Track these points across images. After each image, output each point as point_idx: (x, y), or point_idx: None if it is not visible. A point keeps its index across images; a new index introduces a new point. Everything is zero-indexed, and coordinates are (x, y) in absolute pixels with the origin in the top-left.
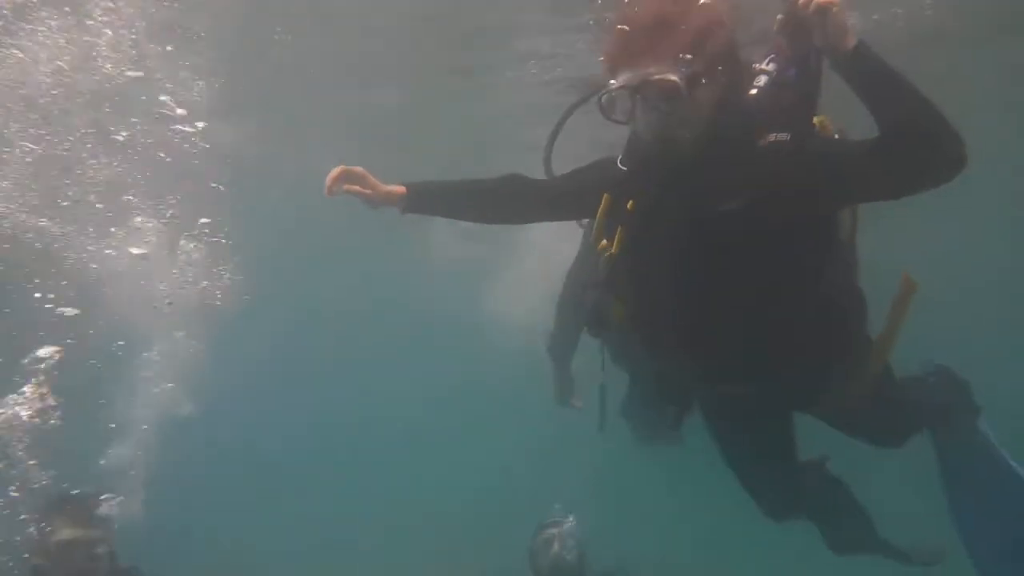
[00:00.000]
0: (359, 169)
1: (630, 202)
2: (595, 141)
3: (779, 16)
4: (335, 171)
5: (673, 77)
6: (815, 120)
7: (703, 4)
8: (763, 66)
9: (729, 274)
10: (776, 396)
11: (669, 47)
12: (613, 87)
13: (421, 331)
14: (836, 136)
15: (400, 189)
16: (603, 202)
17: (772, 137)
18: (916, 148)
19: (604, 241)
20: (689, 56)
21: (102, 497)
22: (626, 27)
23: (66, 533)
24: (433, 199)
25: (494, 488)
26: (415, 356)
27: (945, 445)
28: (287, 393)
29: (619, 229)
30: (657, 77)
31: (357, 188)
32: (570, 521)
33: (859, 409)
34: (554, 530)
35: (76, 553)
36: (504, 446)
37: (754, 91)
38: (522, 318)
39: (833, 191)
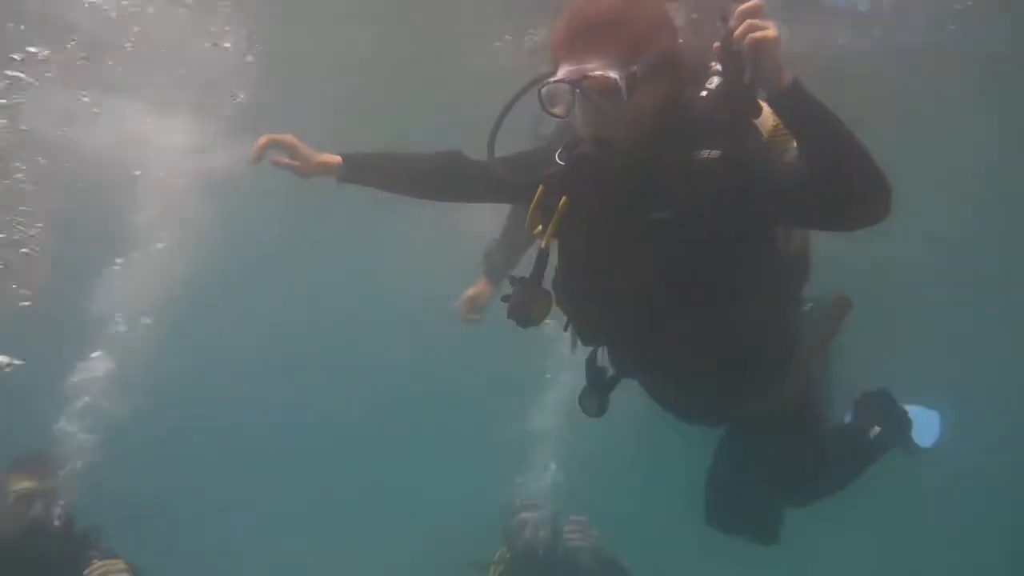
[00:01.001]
0: (289, 137)
1: (563, 198)
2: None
3: (715, 44)
4: (261, 139)
5: (614, 75)
6: (765, 127)
7: (654, 4)
8: (718, 65)
9: (654, 281)
10: (697, 398)
11: (614, 44)
12: (552, 80)
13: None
14: (774, 151)
15: (335, 159)
16: (536, 193)
17: (704, 153)
18: (841, 200)
19: (539, 227)
20: (633, 56)
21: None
22: (572, 19)
23: (25, 484)
24: (369, 170)
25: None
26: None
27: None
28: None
29: (550, 223)
30: (598, 74)
31: (285, 160)
32: (546, 507)
33: (776, 427)
34: (529, 514)
35: (35, 503)
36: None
37: (705, 92)
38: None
39: (757, 214)
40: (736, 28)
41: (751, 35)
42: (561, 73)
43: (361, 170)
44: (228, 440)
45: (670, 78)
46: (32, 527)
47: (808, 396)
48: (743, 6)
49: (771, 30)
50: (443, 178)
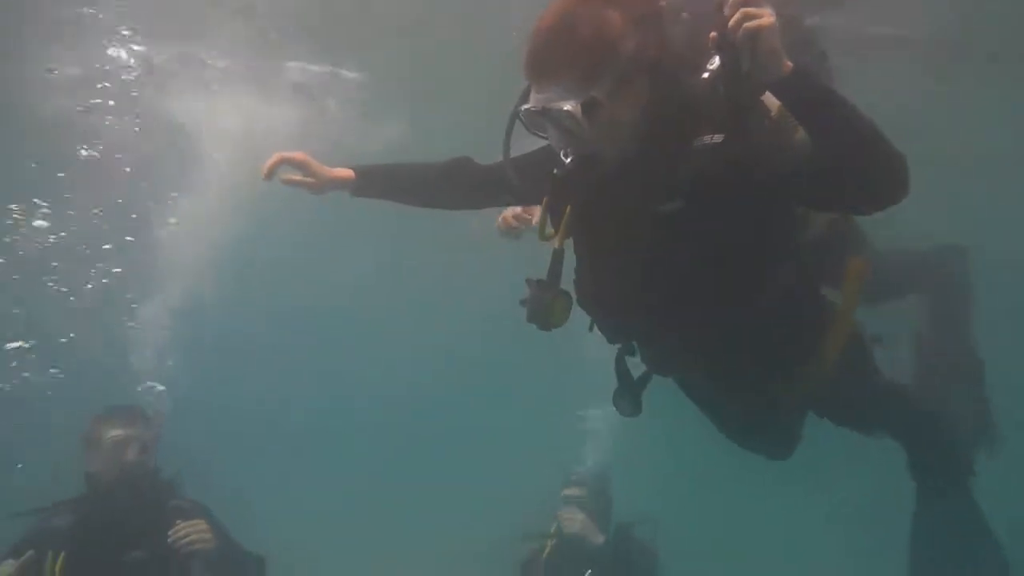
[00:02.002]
0: (300, 155)
1: (567, 206)
2: None
3: (711, 34)
4: (272, 158)
5: (568, 107)
6: (774, 104)
7: (612, 13)
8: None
9: (670, 274)
10: (724, 386)
11: (566, 73)
12: (522, 108)
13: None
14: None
15: (347, 173)
16: (544, 202)
17: (707, 138)
18: (854, 185)
19: (550, 229)
20: (590, 80)
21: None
22: (530, 46)
23: (119, 431)
24: (383, 182)
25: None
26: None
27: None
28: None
29: (561, 224)
30: (554, 105)
31: (296, 178)
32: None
33: (833, 393)
34: (577, 490)
35: (128, 448)
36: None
37: (706, 74)
38: None
39: (768, 198)
40: (730, 17)
41: (746, 24)
42: (530, 101)
43: (373, 183)
44: (300, 418)
45: (647, 80)
46: (125, 471)
47: (847, 367)
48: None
49: (766, 17)
50: (451, 184)
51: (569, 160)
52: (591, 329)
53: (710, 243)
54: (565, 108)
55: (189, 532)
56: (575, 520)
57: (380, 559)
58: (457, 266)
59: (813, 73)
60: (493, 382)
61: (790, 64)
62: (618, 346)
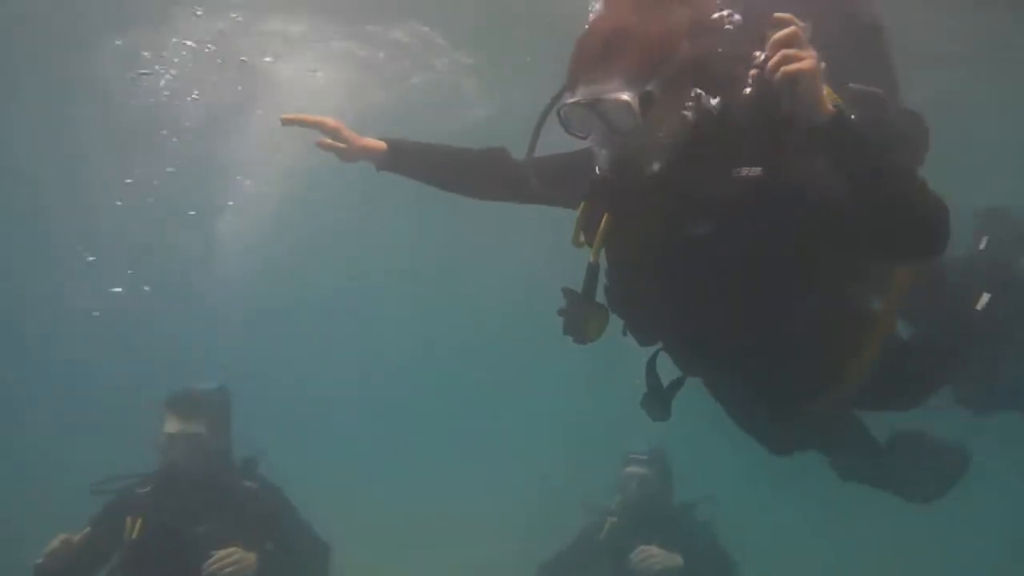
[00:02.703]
0: (333, 121)
1: (605, 215)
2: None
3: (751, 70)
4: (308, 117)
5: (625, 97)
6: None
7: (673, 15)
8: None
9: (701, 294)
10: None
11: (626, 64)
12: (568, 102)
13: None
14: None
15: (380, 144)
16: (580, 208)
17: (744, 171)
18: (888, 236)
19: (582, 238)
20: (647, 74)
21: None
22: (586, 38)
23: (171, 426)
24: (412, 159)
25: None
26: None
27: None
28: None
29: (594, 237)
30: (610, 96)
31: (329, 141)
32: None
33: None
34: (637, 468)
35: (177, 445)
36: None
37: (748, 90)
38: None
39: (802, 235)
40: (770, 58)
41: (785, 68)
42: (577, 95)
43: (403, 158)
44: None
45: (699, 88)
46: (185, 463)
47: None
48: (778, 34)
49: (808, 60)
50: (484, 176)
51: (611, 163)
52: (624, 334)
53: (739, 270)
54: (623, 98)
55: (224, 563)
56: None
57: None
58: (514, 239)
59: (856, 121)
60: (546, 355)
61: (831, 109)
62: (650, 350)
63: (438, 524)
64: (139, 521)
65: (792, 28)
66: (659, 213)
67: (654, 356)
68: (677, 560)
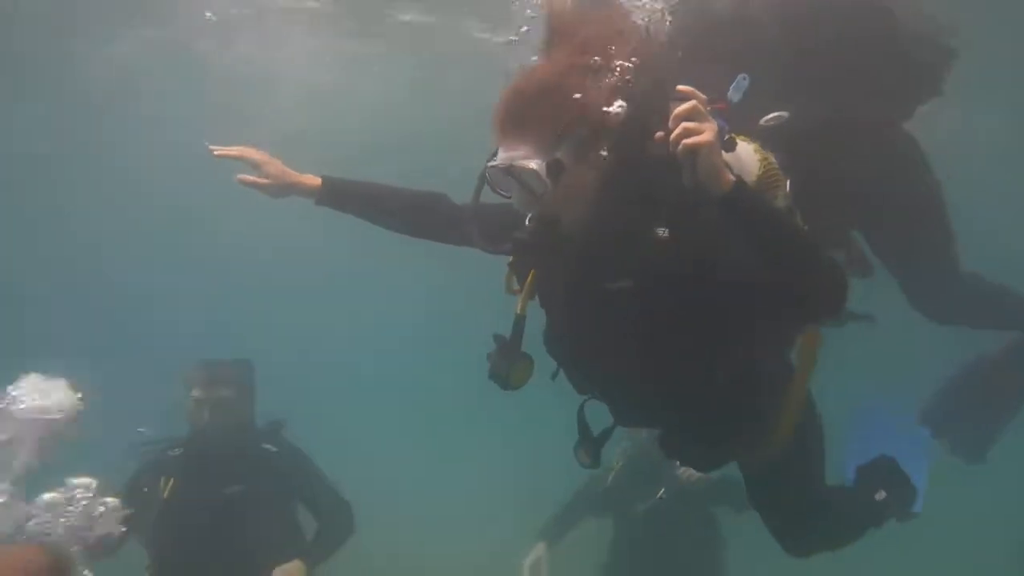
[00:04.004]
0: (259, 155)
1: (530, 271)
2: None
3: (658, 133)
4: (232, 150)
5: (533, 165)
6: (750, 173)
7: (582, 76)
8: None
9: (618, 346)
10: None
11: (535, 131)
12: (489, 165)
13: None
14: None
15: (313, 181)
16: (509, 261)
17: (659, 231)
18: (788, 300)
19: (516, 287)
20: (556, 141)
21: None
22: (501, 103)
23: (200, 391)
24: (348, 197)
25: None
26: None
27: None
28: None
29: (523, 289)
30: (519, 163)
31: (251, 179)
32: None
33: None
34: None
35: (203, 412)
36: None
37: (656, 154)
38: None
39: (713, 298)
40: (672, 130)
41: (684, 141)
42: (497, 158)
43: (341, 195)
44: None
45: (610, 150)
46: (212, 425)
47: (797, 444)
48: (679, 108)
49: (707, 134)
50: (424, 219)
51: (530, 223)
52: (553, 378)
53: (657, 323)
54: (531, 166)
55: None
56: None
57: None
58: None
59: (754, 191)
60: None
61: (730, 179)
62: (583, 397)
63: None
64: (171, 482)
65: (692, 103)
66: (578, 268)
67: (583, 404)
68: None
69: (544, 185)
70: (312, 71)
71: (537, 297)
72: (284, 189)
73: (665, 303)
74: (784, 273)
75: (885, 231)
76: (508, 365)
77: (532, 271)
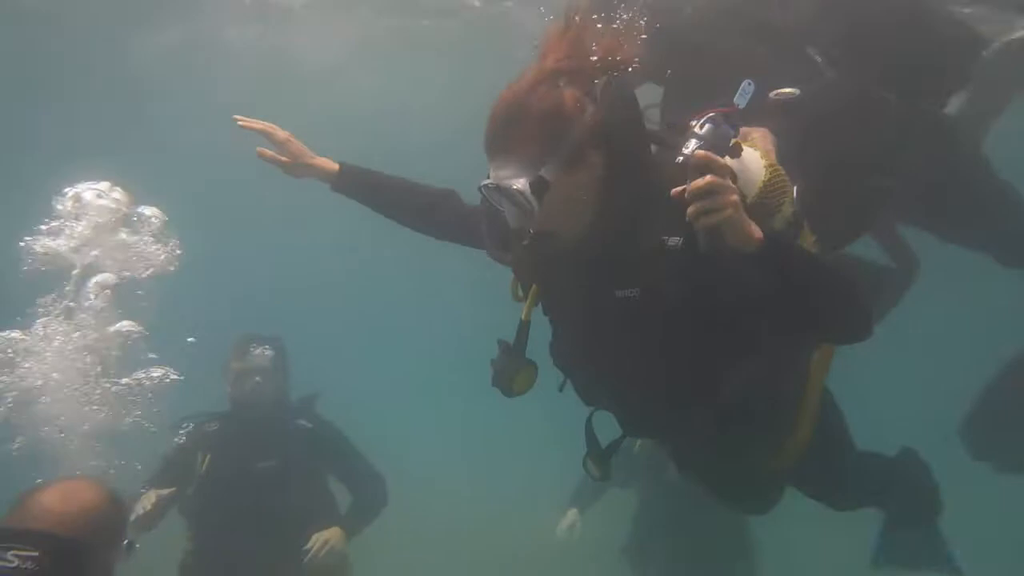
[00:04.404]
0: (282, 133)
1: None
2: None
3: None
4: (256, 123)
5: (518, 185)
6: (753, 184)
7: (560, 95)
8: (697, 127)
9: (627, 355)
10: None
11: (517, 151)
12: (481, 183)
13: None
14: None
15: (331, 166)
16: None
17: (666, 239)
18: (818, 332)
19: (520, 292)
20: (540, 160)
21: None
22: (487, 123)
23: (239, 363)
24: (365, 186)
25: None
26: None
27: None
28: None
29: (529, 296)
30: (505, 183)
31: (270, 154)
32: None
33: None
34: None
35: (245, 382)
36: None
37: (680, 158)
38: None
39: (723, 308)
40: (687, 204)
41: (704, 220)
42: (488, 176)
43: (355, 185)
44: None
45: (603, 156)
46: (250, 395)
47: (817, 444)
48: (695, 184)
49: (727, 211)
50: (434, 216)
51: (523, 239)
52: (561, 389)
53: (667, 332)
54: (515, 186)
55: (320, 547)
56: None
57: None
58: None
59: (782, 243)
60: None
61: (759, 238)
62: (591, 409)
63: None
64: (207, 458)
65: (708, 179)
66: (582, 278)
67: (591, 416)
68: None
69: (530, 203)
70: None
71: (541, 307)
72: (302, 169)
73: (673, 312)
74: (810, 314)
75: (948, 209)
76: (511, 371)
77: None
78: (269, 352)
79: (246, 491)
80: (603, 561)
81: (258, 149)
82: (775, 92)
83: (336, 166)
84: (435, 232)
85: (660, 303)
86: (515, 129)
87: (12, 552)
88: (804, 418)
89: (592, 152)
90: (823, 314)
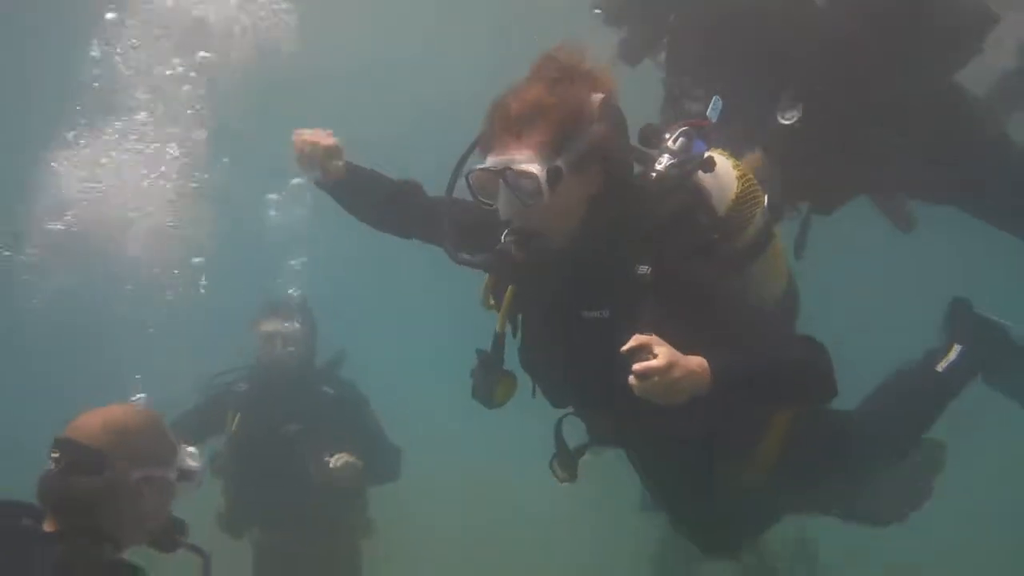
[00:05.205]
0: (339, 145)
1: (509, 287)
2: None
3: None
4: (324, 139)
5: (534, 169)
6: (724, 201)
7: (583, 94)
8: (670, 142)
9: (590, 373)
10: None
11: (537, 137)
12: (477, 167)
13: None
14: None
15: (340, 174)
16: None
17: (639, 267)
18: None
19: (492, 301)
20: (557, 150)
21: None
22: (499, 108)
23: (272, 326)
24: (343, 185)
25: None
26: None
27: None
28: None
29: (502, 306)
30: (519, 166)
31: (308, 153)
32: None
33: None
34: None
35: (279, 341)
36: None
37: (654, 174)
38: None
39: (692, 336)
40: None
41: (639, 391)
42: (487, 162)
43: (342, 183)
44: None
45: (601, 170)
46: (276, 359)
47: (795, 447)
48: (636, 367)
49: (668, 394)
50: (397, 209)
51: (510, 234)
52: (533, 395)
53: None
54: (531, 169)
55: (340, 464)
56: None
57: None
58: None
59: (726, 373)
60: None
61: (706, 380)
62: (560, 412)
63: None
64: (237, 417)
65: (638, 380)
66: (554, 291)
67: (560, 419)
68: None
69: (540, 192)
70: None
71: (513, 312)
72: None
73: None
74: (776, 400)
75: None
76: (493, 383)
77: (510, 287)
78: (296, 323)
79: (274, 452)
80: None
81: (306, 157)
82: (782, 115)
83: (343, 170)
84: (400, 229)
85: (626, 327)
86: (540, 115)
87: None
88: (769, 445)
89: (592, 165)
90: (784, 401)
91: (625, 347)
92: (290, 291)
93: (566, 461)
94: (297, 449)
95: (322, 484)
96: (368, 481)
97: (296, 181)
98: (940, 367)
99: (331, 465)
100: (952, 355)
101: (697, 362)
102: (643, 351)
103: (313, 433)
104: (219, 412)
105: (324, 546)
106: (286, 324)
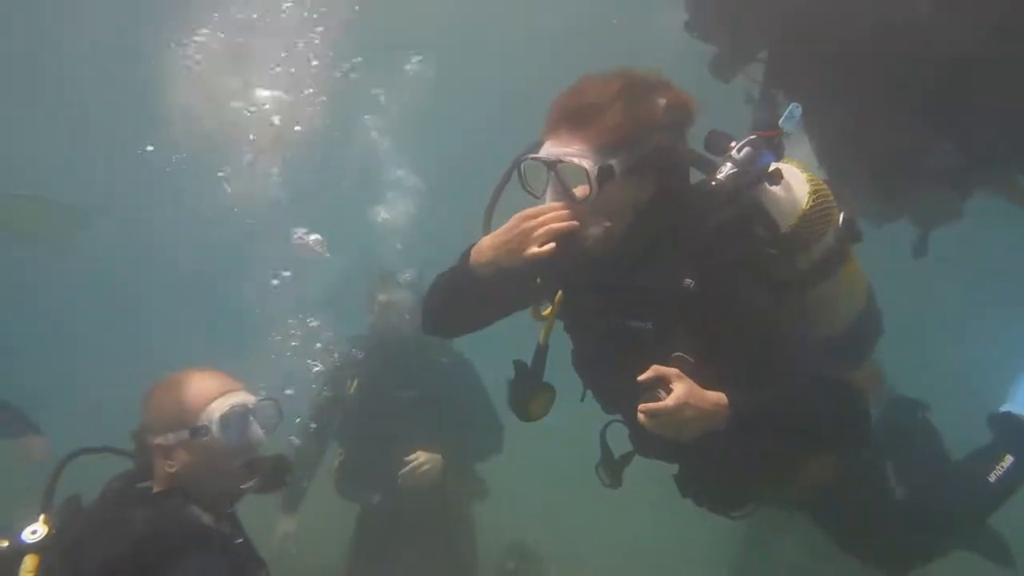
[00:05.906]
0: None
1: (558, 293)
2: None
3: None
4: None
5: (585, 164)
6: (791, 215)
7: (650, 101)
8: (735, 151)
9: (633, 383)
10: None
11: (594, 133)
12: (530, 156)
13: None
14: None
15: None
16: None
17: (685, 280)
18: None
19: (544, 311)
20: (612, 150)
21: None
22: (563, 100)
23: (384, 296)
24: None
25: None
26: None
27: None
28: None
29: (548, 316)
30: (571, 159)
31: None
32: None
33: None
34: None
35: (391, 310)
36: None
37: (715, 182)
38: None
39: (735, 349)
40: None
41: (649, 428)
42: (540, 152)
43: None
44: None
45: (655, 178)
46: (389, 328)
47: (848, 467)
48: (642, 407)
49: (677, 432)
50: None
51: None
52: (582, 399)
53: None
54: (582, 164)
55: (417, 467)
56: None
57: None
58: None
59: (746, 406)
60: None
61: (724, 415)
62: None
63: None
64: (355, 382)
65: (647, 418)
66: (600, 300)
67: (606, 426)
68: None
69: (588, 188)
70: None
71: (563, 318)
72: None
73: (683, 347)
74: (805, 440)
75: None
76: (529, 396)
77: (559, 294)
78: (412, 294)
79: (386, 418)
80: None
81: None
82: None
83: None
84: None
85: (670, 340)
86: (602, 112)
87: None
88: (806, 471)
89: (650, 173)
90: (807, 447)
91: (642, 376)
92: (406, 274)
93: (611, 466)
94: (408, 415)
95: (405, 491)
96: (471, 458)
97: None
98: (992, 477)
99: (409, 469)
100: (1005, 464)
101: (715, 399)
102: (660, 382)
103: (424, 401)
104: (341, 381)
105: (432, 506)
106: (400, 294)
